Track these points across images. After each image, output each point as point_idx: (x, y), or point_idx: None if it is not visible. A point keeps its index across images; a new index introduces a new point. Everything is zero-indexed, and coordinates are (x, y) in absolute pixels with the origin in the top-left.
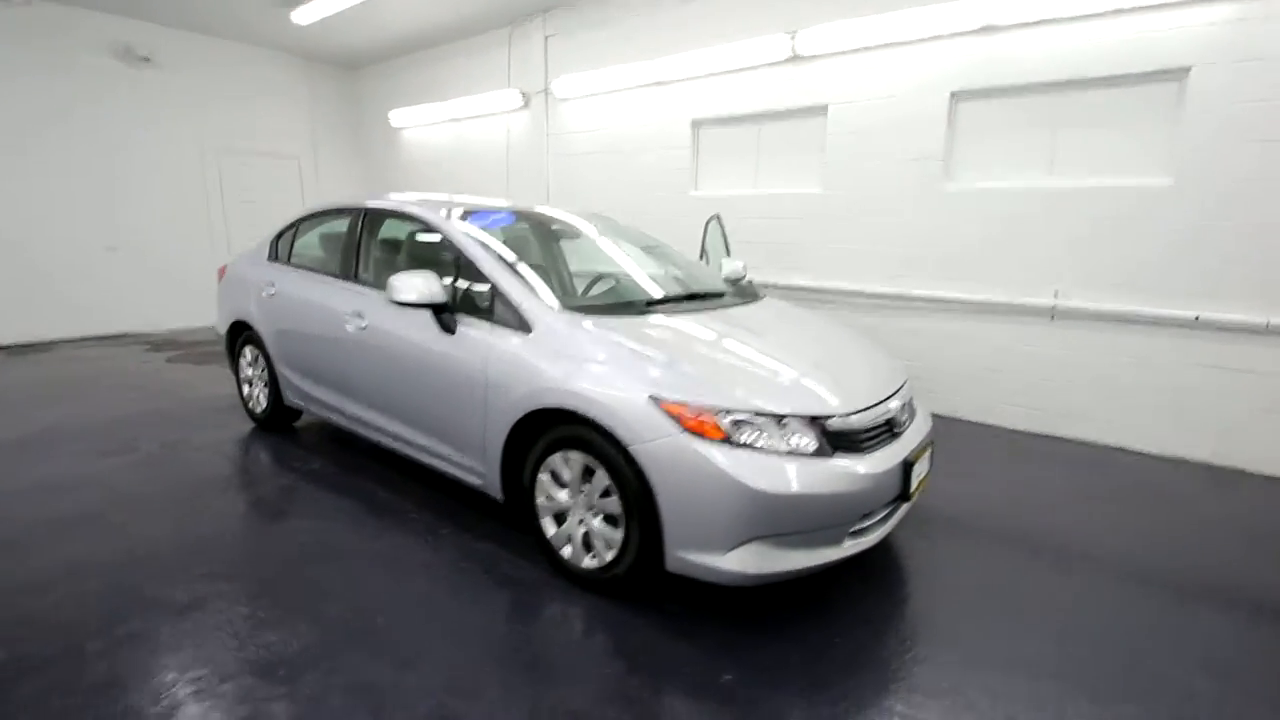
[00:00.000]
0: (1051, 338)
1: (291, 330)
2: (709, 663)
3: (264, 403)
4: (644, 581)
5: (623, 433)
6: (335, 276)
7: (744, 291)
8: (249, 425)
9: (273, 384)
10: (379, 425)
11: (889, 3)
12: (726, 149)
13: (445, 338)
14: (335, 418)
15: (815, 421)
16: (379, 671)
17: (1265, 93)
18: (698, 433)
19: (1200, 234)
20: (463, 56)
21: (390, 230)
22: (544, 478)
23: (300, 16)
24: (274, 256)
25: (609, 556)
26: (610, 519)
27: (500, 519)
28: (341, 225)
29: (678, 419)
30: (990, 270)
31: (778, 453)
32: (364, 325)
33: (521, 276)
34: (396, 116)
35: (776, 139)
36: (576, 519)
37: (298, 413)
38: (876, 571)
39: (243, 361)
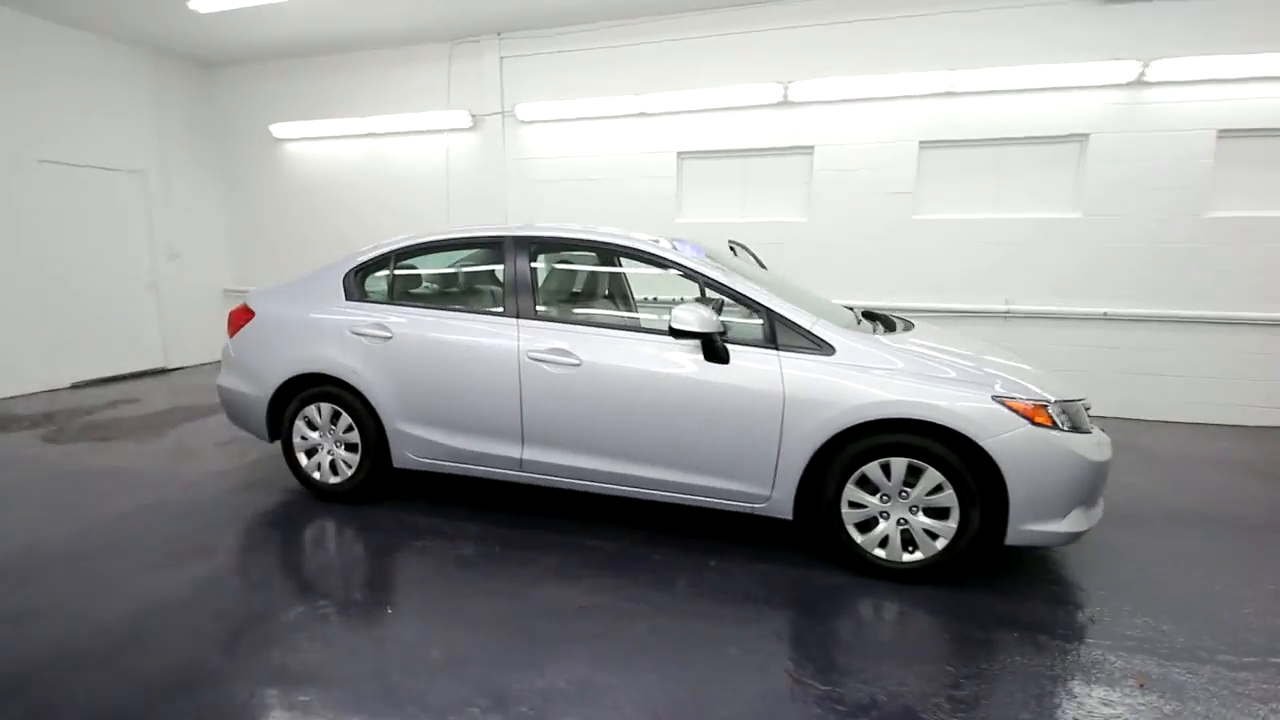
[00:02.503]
0: (1006, 334)
1: (427, 379)
2: (1061, 618)
3: (349, 469)
4: (966, 564)
5: (974, 431)
6: (495, 315)
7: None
8: (301, 511)
9: (376, 445)
10: (553, 464)
11: (868, 65)
12: (712, 180)
13: (715, 368)
14: (490, 471)
15: (1073, 404)
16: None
17: (1140, 153)
18: (1040, 422)
19: (1103, 253)
20: (383, 67)
21: (575, 262)
22: (851, 487)
23: (202, 3)
24: (359, 296)
25: (939, 546)
26: (931, 513)
27: (731, 538)
28: (477, 257)
29: (1022, 413)
30: (954, 284)
31: (1076, 431)
32: (576, 363)
33: (794, 304)
34: (282, 128)
35: (764, 172)
36: (895, 520)
37: (393, 478)
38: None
39: (301, 425)
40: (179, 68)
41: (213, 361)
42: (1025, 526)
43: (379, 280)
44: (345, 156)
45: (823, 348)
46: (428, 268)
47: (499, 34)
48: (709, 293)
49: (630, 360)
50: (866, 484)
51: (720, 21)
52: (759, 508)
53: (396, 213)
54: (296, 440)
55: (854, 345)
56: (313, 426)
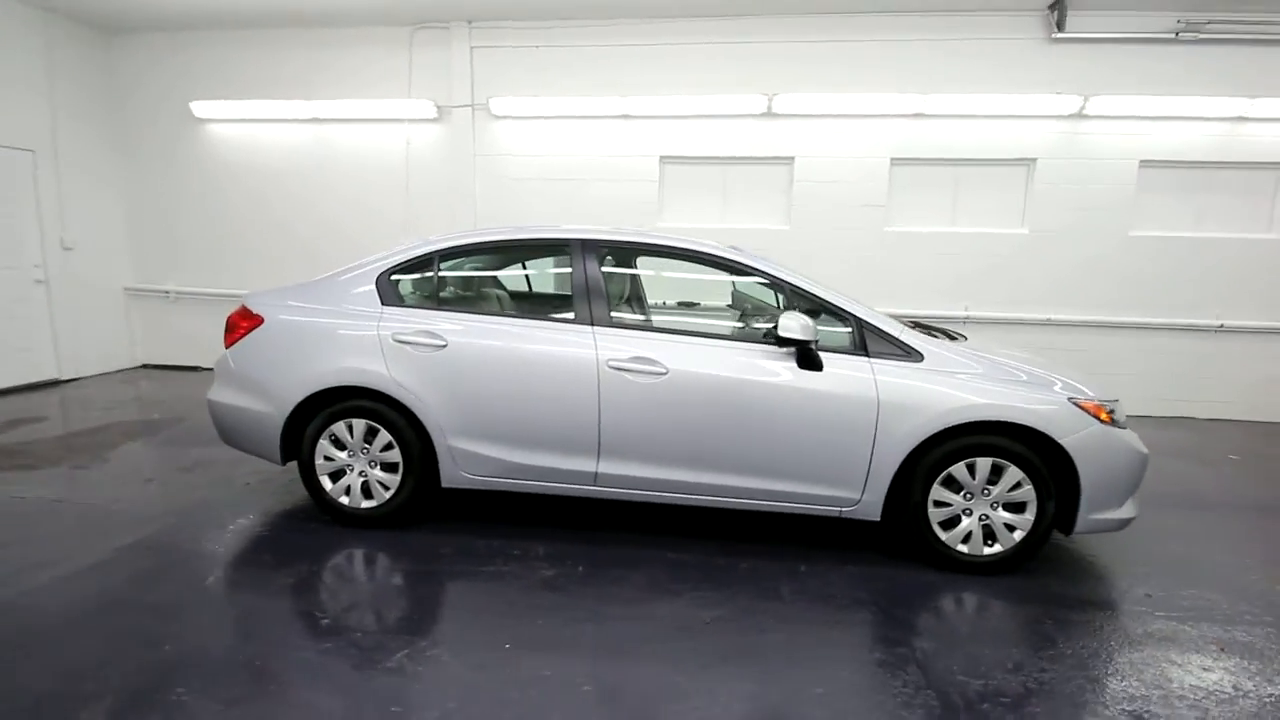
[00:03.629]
0: None
1: (488, 391)
2: (1126, 597)
3: (387, 491)
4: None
5: (1054, 430)
6: (565, 321)
7: None
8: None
9: (421, 463)
10: (633, 477)
11: (847, 83)
12: (694, 185)
13: (809, 375)
14: (558, 487)
15: (1117, 403)
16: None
17: (1078, 177)
18: (1104, 420)
19: (1047, 265)
20: (334, 47)
21: (647, 267)
22: (937, 487)
23: None
24: (397, 300)
25: (1016, 538)
26: (1009, 507)
27: (803, 542)
28: (532, 259)
29: (1091, 412)
30: (922, 292)
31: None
32: (661, 372)
33: (880, 313)
34: (206, 107)
35: (745, 180)
36: (978, 516)
37: (433, 498)
38: None
39: (325, 444)
40: (76, 32)
41: (117, 371)
42: (1092, 516)
43: (420, 283)
44: (285, 142)
45: (911, 355)
46: (470, 270)
47: (470, 22)
48: (775, 298)
49: (720, 368)
50: (950, 483)
51: (706, 30)
52: (847, 511)
53: (347, 205)
54: (319, 462)
55: (939, 352)
56: (340, 446)
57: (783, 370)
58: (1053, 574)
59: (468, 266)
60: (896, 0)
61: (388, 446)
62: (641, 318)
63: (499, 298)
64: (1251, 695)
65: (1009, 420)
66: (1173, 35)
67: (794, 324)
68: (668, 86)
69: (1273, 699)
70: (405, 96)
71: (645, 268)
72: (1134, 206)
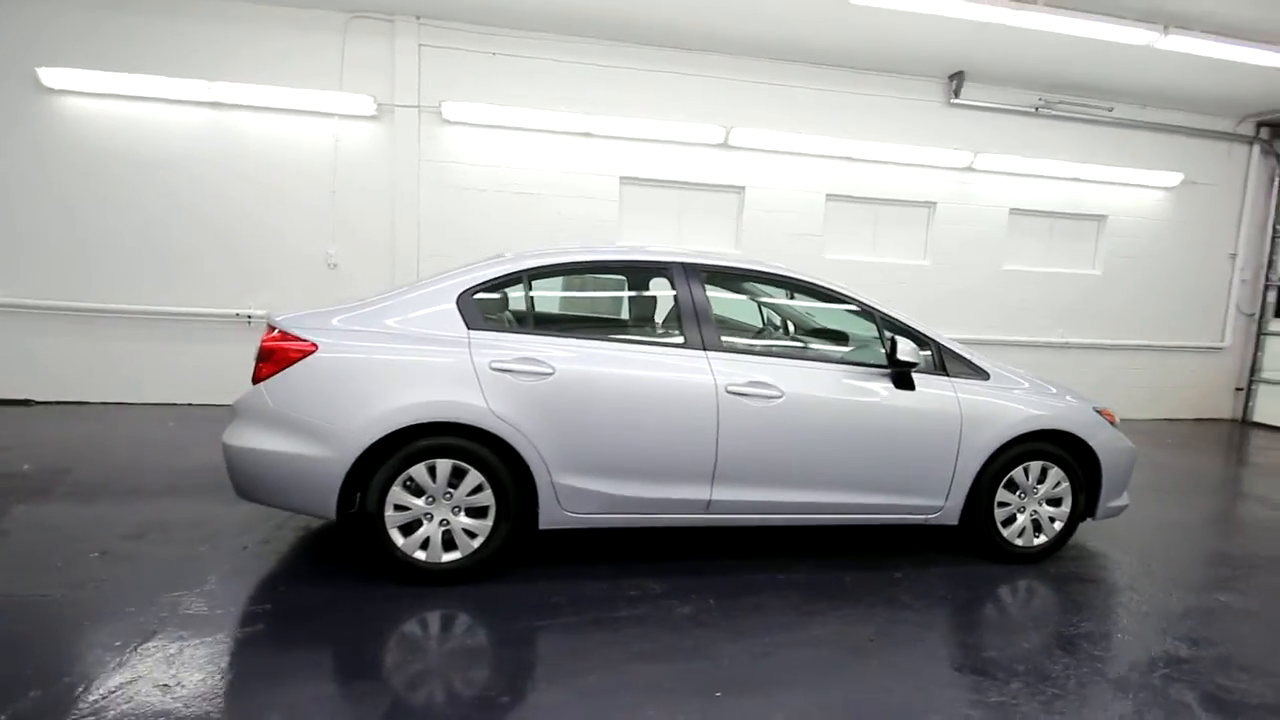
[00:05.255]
0: None
1: (599, 421)
2: (1135, 570)
3: (474, 539)
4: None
5: (1087, 435)
6: (674, 346)
7: None
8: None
9: (517, 505)
10: (745, 501)
11: (792, 123)
12: (651, 207)
13: (904, 394)
14: (667, 519)
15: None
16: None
17: (967, 219)
18: (1113, 424)
19: (943, 293)
20: (241, 23)
21: (749, 292)
22: (1000, 490)
23: None
24: (483, 324)
25: (1056, 529)
26: (1051, 502)
27: (873, 551)
28: (643, 282)
29: (1106, 418)
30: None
31: None
32: (778, 398)
33: (950, 338)
34: (61, 76)
35: (700, 205)
36: (1030, 512)
37: (522, 545)
38: None
39: (398, 492)
40: None
41: None
42: (1107, 504)
43: (502, 305)
44: (173, 127)
45: (980, 374)
46: (559, 291)
47: (418, 17)
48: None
49: (828, 390)
50: (1009, 485)
51: (667, 59)
52: (932, 518)
53: (254, 206)
54: (389, 513)
55: (999, 371)
56: (417, 492)
57: (881, 390)
58: (1071, 559)
59: (555, 287)
60: (832, 55)
61: (477, 489)
62: (749, 341)
63: (597, 321)
64: None
65: (1061, 428)
66: (1034, 110)
67: (908, 348)
68: (629, 108)
69: None
70: (336, 89)
71: (739, 293)
72: (1006, 245)
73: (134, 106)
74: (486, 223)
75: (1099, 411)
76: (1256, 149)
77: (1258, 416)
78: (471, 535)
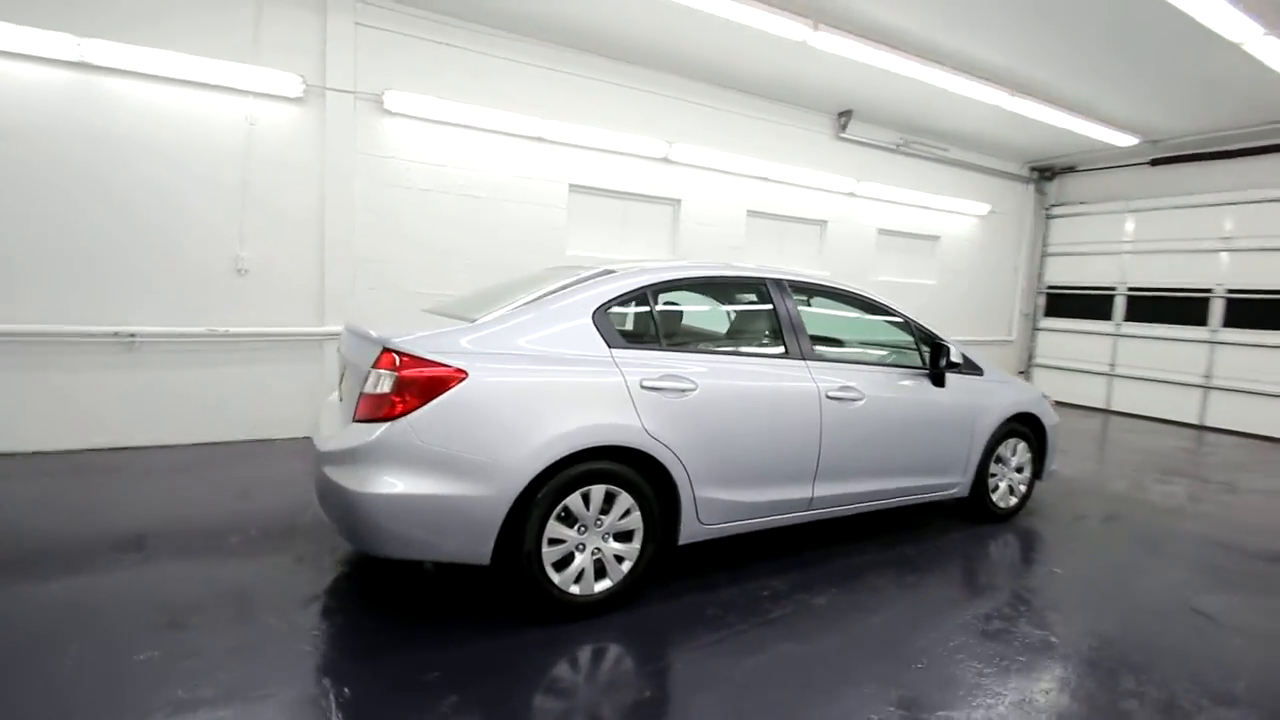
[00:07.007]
0: None
1: (734, 432)
2: (1069, 520)
3: (624, 564)
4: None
5: (1039, 413)
6: (779, 357)
7: None
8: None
9: (662, 524)
10: (836, 494)
11: (724, 143)
12: (597, 216)
13: (939, 391)
14: (779, 519)
15: None
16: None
17: (850, 235)
18: (1051, 404)
19: None
20: None
21: (819, 306)
22: (992, 464)
23: None
24: (620, 341)
25: (1023, 490)
26: (1018, 470)
27: (896, 528)
28: (739, 298)
29: (1048, 400)
30: None
31: None
32: (860, 400)
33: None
34: None
35: (642, 215)
36: (1006, 481)
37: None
38: None
39: (553, 525)
40: None
41: None
42: (1048, 468)
43: (635, 320)
44: (25, 87)
45: (977, 370)
46: (674, 306)
47: None
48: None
49: (896, 392)
50: (997, 460)
51: (613, 70)
52: (954, 491)
53: (137, 193)
54: (545, 549)
55: (986, 367)
56: (570, 522)
57: (925, 388)
58: (1033, 515)
59: (671, 302)
60: (750, 84)
61: (626, 513)
62: (832, 350)
63: (709, 335)
64: None
65: (1029, 411)
66: (895, 147)
67: (956, 353)
68: (581, 115)
69: None
70: (251, 62)
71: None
72: (876, 259)
73: None
74: (431, 225)
75: (1045, 397)
76: (1032, 187)
77: None
78: (622, 559)
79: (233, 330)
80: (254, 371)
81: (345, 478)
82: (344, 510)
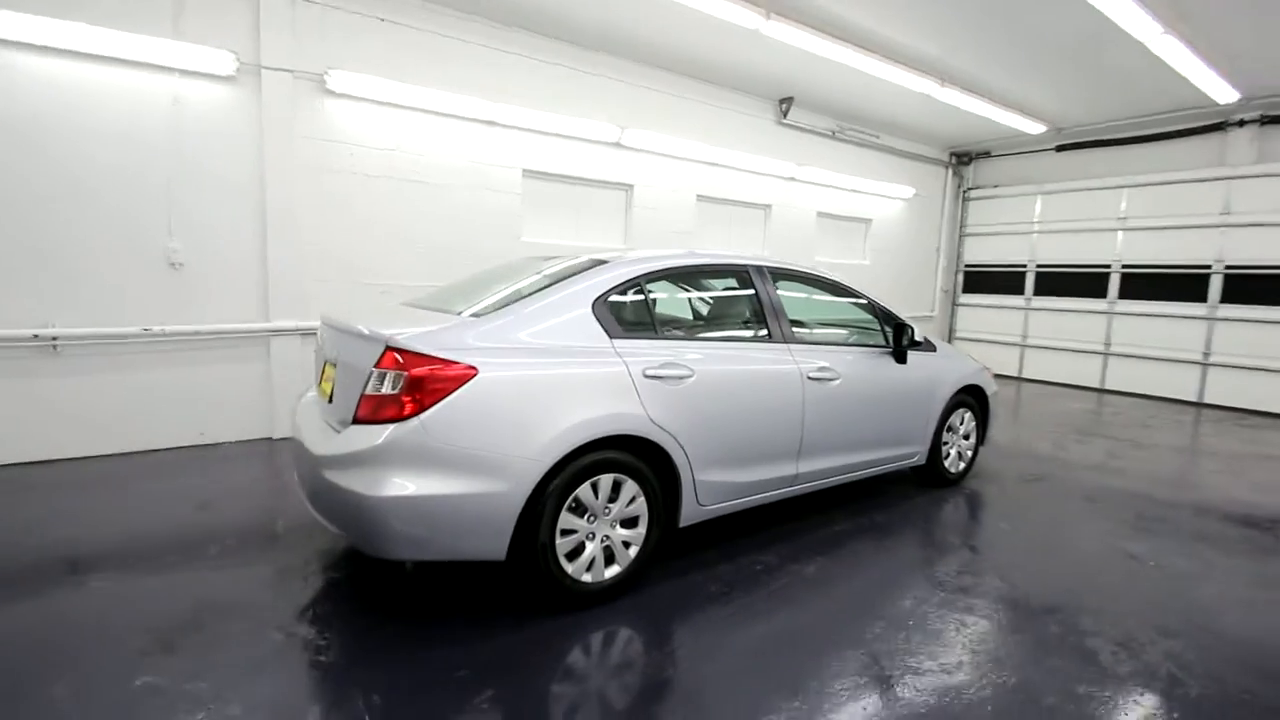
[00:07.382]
0: None
1: (728, 416)
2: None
3: (631, 549)
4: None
5: (983, 384)
6: (763, 340)
7: None
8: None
9: (664, 508)
10: (816, 470)
11: (674, 128)
12: (551, 202)
13: (901, 367)
14: (767, 496)
15: None
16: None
17: (790, 220)
18: (990, 377)
19: None
20: None
21: (792, 290)
22: (945, 433)
23: None
24: (620, 331)
25: (969, 455)
26: (965, 437)
27: (861, 495)
28: (720, 285)
29: (987, 371)
30: None
31: None
32: (836, 379)
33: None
34: None
35: (595, 201)
36: (955, 448)
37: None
38: None
39: (565, 515)
40: None
41: None
42: (989, 434)
43: (631, 309)
44: None
45: (931, 347)
46: (664, 293)
47: None
48: (831, 314)
49: (865, 370)
50: (948, 429)
51: (566, 54)
52: (913, 461)
53: (49, 182)
54: (558, 540)
55: (940, 344)
56: (580, 512)
57: (890, 365)
58: (976, 478)
59: (661, 290)
60: (699, 70)
61: (632, 499)
62: (806, 332)
63: (696, 321)
64: None
65: (975, 383)
66: (831, 134)
67: (910, 333)
68: (534, 99)
69: None
70: (170, 36)
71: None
72: (816, 242)
73: None
74: (382, 213)
75: (985, 368)
76: (950, 171)
77: None
78: (629, 545)
79: (169, 329)
80: (195, 372)
81: (354, 481)
82: (354, 515)
